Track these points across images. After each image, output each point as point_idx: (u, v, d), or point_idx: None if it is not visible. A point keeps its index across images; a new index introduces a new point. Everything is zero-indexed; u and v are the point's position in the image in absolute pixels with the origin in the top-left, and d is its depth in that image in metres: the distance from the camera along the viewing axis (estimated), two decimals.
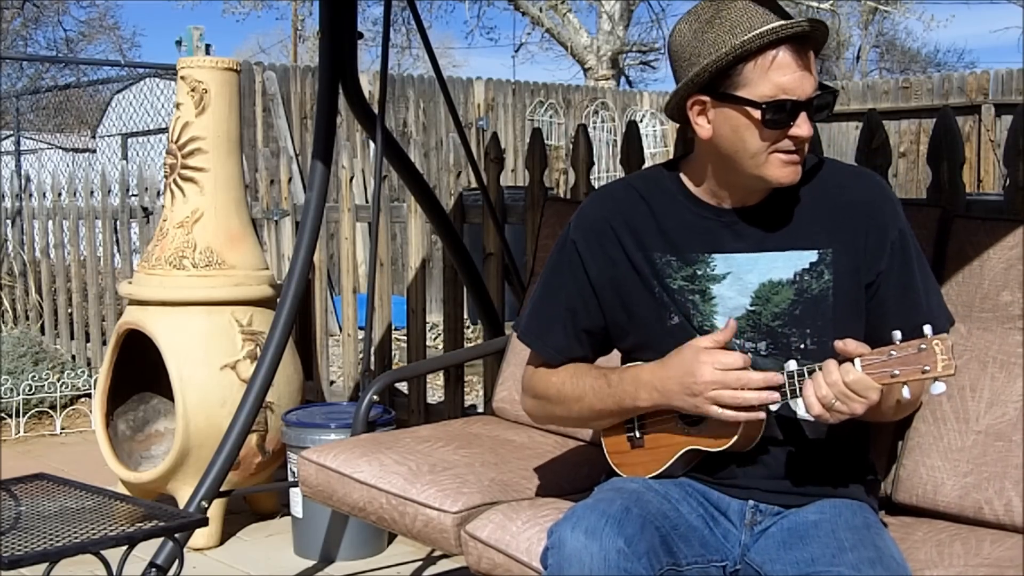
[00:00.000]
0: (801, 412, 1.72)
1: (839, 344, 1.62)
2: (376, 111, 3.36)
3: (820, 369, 1.63)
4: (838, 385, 1.59)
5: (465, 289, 3.81)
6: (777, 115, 1.68)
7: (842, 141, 11.04)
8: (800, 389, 1.65)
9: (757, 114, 1.69)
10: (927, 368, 1.54)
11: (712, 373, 1.67)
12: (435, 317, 6.12)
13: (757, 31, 1.67)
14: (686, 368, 1.70)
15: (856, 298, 1.78)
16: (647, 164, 2.50)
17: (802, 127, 1.69)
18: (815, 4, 16.86)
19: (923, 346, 1.55)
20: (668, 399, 1.73)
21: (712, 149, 1.78)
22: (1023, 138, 2.51)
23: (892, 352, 1.57)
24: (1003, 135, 8.51)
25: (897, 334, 1.58)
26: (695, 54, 1.73)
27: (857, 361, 1.59)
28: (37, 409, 5.19)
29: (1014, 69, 10.26)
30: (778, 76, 1.68)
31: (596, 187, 2.58)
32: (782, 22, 1.67)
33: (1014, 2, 18.95)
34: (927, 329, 1.55)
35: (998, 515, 1.92)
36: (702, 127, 1.76)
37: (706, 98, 1.74)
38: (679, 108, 1.78)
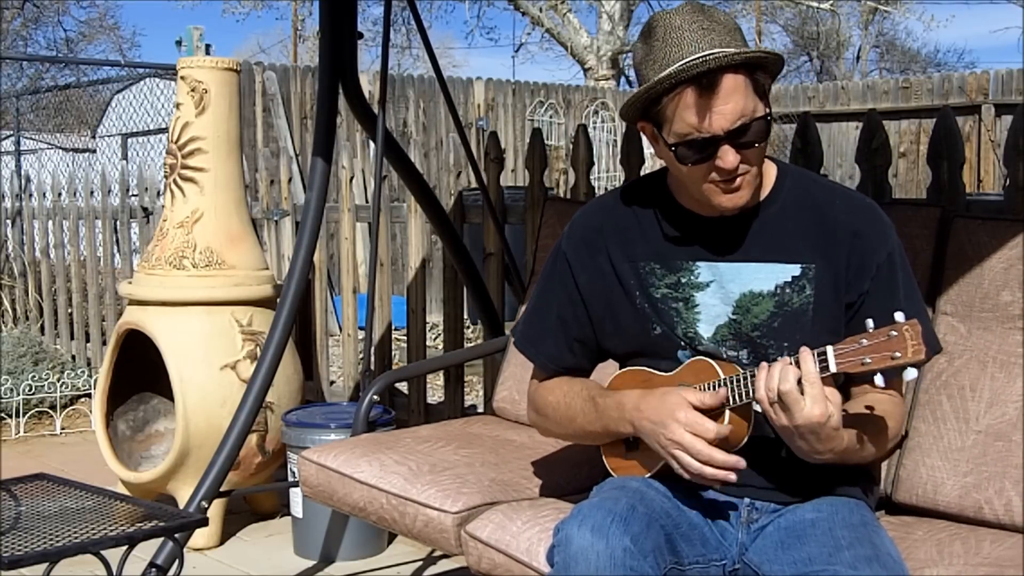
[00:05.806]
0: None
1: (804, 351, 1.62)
2: (376, 111, 3.36)
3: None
4: (772, 391, 1.61)
5: (465, 289, 3.81)
6: (690, 153, 1.68)
7: (842, 141, 11.04)
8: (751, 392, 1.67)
9: (671, 153, 1.70)
10: (897, 354, 1.54)
11: (681, 435, 1.67)
12: (435, 317, 6.11)
13: (665, 72, 1.65)
14: (662, 416, 1.70)
15: (835, 316, 1.78)
16: (647, 164, 2.51)
17: (724, 159, 1.67)
18: (815, 4, 16.87)
19: (894, 332, 1.54)
20: (641, 434, 1.76)
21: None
22: (1023, 138, 2.51)
23: (863, 340, 1.57)
24: (1003, 135, 8.51)
25: (870, 322, 1.58)
26: (640, 79, 1.73)
27: (829, 349, 1.59)
28: (37, 409, 5.19)
29: (1014, 69, 10.27)
30: (688, 115, 1.66)
31: (596, 187, 2.60)
32: (687, 60, 1.64)
33: (1014, 2, 18.96)
34: (898, 316, 1.55)
35: (998, 515, 1.92)
36: (654, 147, 1.77)
37: (649, 124, 1.75)
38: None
